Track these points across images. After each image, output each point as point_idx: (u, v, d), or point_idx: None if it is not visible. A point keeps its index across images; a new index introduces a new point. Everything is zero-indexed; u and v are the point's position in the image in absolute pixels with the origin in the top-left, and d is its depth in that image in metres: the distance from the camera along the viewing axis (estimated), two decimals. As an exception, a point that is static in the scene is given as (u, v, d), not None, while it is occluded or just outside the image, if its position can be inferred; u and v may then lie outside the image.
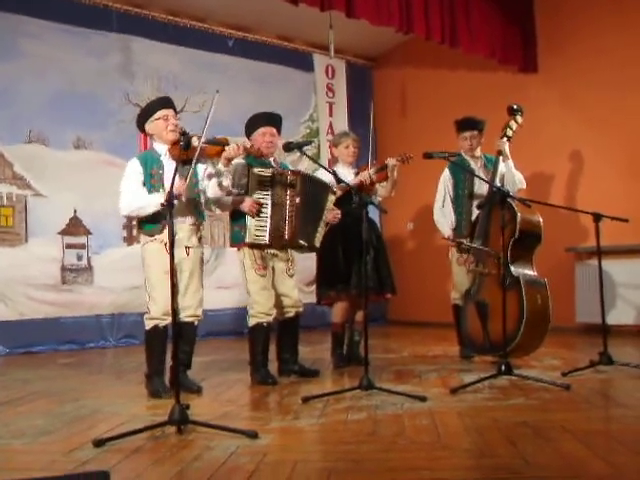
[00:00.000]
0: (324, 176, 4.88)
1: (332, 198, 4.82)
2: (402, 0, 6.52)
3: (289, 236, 4.49)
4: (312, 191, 4.65)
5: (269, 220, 4.47)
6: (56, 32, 7.31)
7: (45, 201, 7.11)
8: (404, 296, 7.15)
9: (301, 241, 4.56)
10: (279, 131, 4.86)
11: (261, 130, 4.75)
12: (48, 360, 6.25)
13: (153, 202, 4.06)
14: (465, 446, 2.81)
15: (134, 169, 4.20)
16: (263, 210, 4.47)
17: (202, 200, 4.37)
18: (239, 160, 4.44)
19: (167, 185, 4.12)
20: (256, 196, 4.47)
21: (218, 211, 4.91)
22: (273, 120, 4.84)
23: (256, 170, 4.48)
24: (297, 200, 4.49)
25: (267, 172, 4.50)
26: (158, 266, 4.13)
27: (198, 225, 4.34)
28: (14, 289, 6.84)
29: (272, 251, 4.65)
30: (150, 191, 4.16)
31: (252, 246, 4.55)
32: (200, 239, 4.37)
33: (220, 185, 4.25)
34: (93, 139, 7.46)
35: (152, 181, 4.17)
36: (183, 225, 4.19)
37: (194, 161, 3.73)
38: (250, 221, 4.47)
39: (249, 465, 2.59)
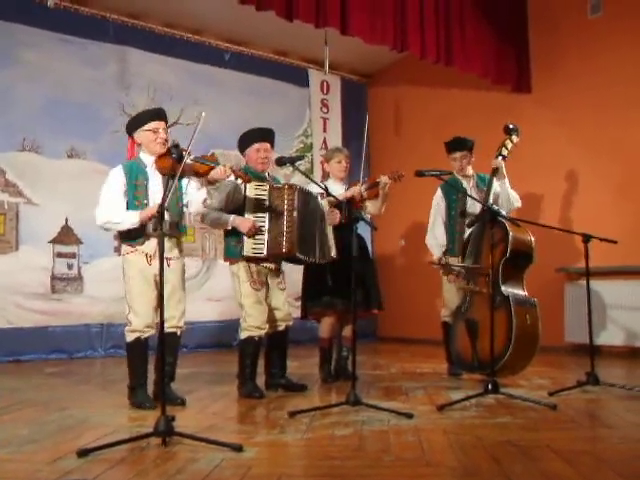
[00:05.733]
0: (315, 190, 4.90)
1: (324, 202, 4.85)
2: (397, 19, 6.57)
3: (287, 250, 4.47)
4: (308, 205, 4.67)
5: (266, 234, 4.48)
6: (53, 41, 7.33)
7: (37, 209, 7.10)
8: (394, 313, 7.18)
9: (299, 254, 4.54)
10: (273, 146, 4.90)
11: (255, 146, 4.78)
12: (36, 369, 6.21)
13: (128, 220, 4.09)
14: (449, 464, 2.81)
15: (117, 178, 4.18)
16: (260, 224, 4.48)
17: (185, 212, 4.40)
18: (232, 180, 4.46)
19: (151, 197, 4.15)
20: (253, 213, 4.49)
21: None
22: (267, 136, 4.86)
23: (253, 186, 4.50)
24: (294, 214, 4.50)
25: (264, 187, 4.52)
26: (139, 278, 4.16)
27: (179, 237, 4.35)
28: (3, 297, 6.80)
29: (268, 265, 4.65)
30: (133, 202, 4.16)
31: (249, 260, 4.56)
32: (181, 251, 4.38)
33: (204, 202, 4.27)
34: (87, 149, 7.46)
35: (136, 192, 4.17)
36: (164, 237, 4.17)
37: (177, 176, 3.69)
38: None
39: (233, 478, 2.58)
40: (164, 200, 3.42)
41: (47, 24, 7.25)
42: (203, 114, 3.49)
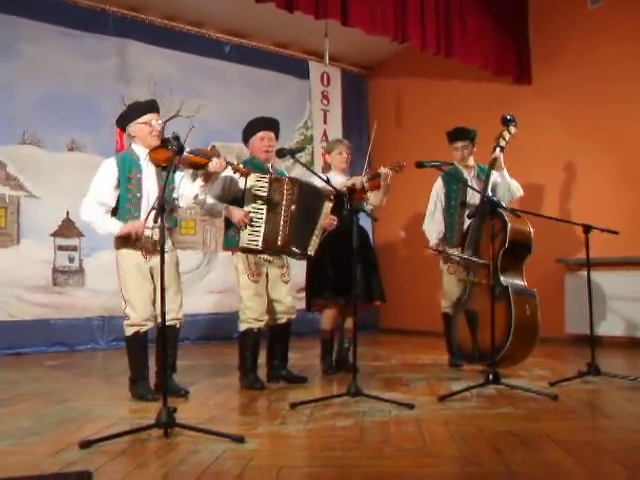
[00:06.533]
0: (317, 183, 4.88)
1: (328, 205, 4.77)
2: (397, 10, 6.56)
3: (282, 243, 4.49)
4: (307, 198, 4.63)
5: (263, 226, 4.47)
6: (53, 34, 7.30)
7: (38, 202, 7.09)
8: (395, 304, 7.16)
9: (294, 248, 4.57)
10: (277, 136, 4.87)
11: (259, 135, 4.76)
12: (37, 362, 6.21)
13: (108, 229, 4.12)
14: (450, 454, 2.82)
15: (109, 170, 4.15)
16: (258, 216, 4.48)
17: (179, 205, 4.39)
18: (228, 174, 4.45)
19: (145, 189, 4.15)
20: (252, 204, 4.48)
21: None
22: (271, 125, 4.84)
23: (254, 177, 4.48)
24: (292, 207, 4.49)
25: (265, 180, 4.50)
26: (134, 272, 4.14)
27: (172, 229, 4.36)
28: (4, 290, 6.80)
29: (266, 257, 4.65)
30: (126, 195, 4.14)
31: (245, 251, 4.56)
32: (173, 243, 4.38)
33: (195, 197, 4.27)
34: (87, 142, 7.43)
35: (129, 185, 4.14)
36: (158, 229, 4.16)
37: (170, 168, 3.69)
38: None
39: (234, 469, 2.59)
40: (161, 195, 3.42)
41: (46, 17, 7.22)
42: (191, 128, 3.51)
